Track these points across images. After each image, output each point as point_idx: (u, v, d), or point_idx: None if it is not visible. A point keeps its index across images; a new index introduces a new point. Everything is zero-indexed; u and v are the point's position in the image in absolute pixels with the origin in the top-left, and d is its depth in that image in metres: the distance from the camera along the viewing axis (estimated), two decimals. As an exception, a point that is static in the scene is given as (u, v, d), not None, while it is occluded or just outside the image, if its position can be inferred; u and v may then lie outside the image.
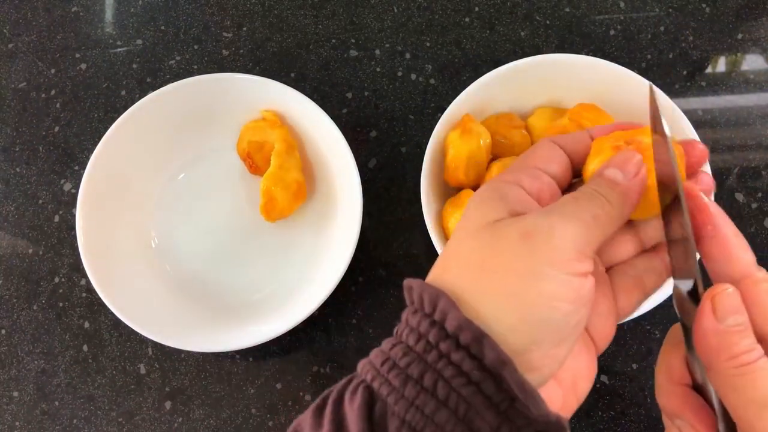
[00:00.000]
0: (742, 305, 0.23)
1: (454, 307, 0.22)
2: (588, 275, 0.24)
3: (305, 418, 0.24)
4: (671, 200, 0.26)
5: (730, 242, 0.25)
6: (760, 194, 0.52)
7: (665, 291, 0.42)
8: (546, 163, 0.28)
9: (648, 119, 0.27)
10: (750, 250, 0.25)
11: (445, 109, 0.46)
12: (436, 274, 0.25)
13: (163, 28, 0.61)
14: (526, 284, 0.23)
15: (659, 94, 0.29)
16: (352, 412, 0.22)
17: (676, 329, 0.27)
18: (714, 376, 0.23)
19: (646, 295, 0.29)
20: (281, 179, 0.49)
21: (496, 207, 0.25)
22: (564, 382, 0.27)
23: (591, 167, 0.28)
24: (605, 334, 0.28)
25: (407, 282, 0.25)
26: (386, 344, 0.24)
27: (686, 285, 0.25)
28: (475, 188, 0.46)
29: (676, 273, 0.26)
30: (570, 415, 0.27)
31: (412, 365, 0.22)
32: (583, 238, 0.24)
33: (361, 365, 0.25)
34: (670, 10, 0.58)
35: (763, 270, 0.25)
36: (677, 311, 0.26)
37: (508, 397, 0.21)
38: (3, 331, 0.53)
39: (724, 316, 0.23)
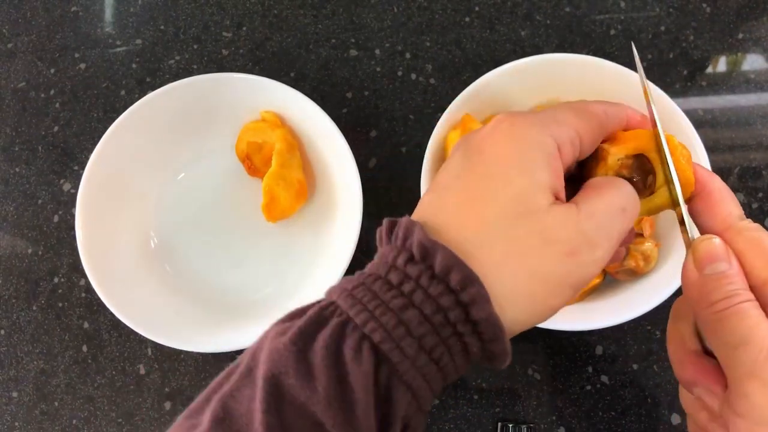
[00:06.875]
0: (724, 253, 0.24)
1: (486, 300, 0.22)
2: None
3: (284, 360, 0.22)
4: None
5: (715, 196, 0.26)
6: (760, 194, 0.52)
7: (665, 292, 0.42)
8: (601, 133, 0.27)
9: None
10: (736, 203, 0.26)
11: (445, 109, 0.46)
12: (450, 227, 0.24)
13: (162, 27, 0.61)
14: (544, 292, 0.23)
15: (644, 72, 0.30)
16: (361, 376, 0.21)
17: (681, 300, 0.28)
18: (701, 325, 0.25)
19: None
20: (283, 178, 0.49)
21: (541, 181, 0.24)
22: None
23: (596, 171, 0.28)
24: None
25: (409, 224, 0.24)
26: (385, 294, 0.22)
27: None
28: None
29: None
30: None
31: (426, 337, 0.22)
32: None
33: (357, 314, 0.22)
34: (671, 9, 0.58)
35: (747, 220, 0.25)
36: None
37: (483, 348, 0.23)
38: (2, 332, 0.53)
39: (702, 265, 0.24)
